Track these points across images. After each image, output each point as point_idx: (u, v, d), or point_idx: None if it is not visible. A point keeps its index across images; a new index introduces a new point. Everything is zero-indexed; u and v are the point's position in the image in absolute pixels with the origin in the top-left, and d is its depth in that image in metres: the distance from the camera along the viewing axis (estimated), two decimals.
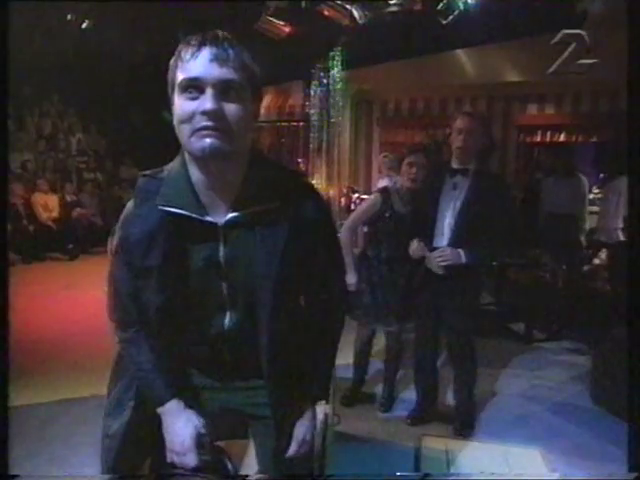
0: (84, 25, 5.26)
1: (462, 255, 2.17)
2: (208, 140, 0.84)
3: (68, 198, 7.01)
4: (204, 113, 0.83)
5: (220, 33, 0.86)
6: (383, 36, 5.20)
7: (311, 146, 6.25)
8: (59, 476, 1.83)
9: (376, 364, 2.81)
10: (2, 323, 1.09)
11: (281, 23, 5.20)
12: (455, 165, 2.25)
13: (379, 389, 2.69)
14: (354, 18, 5.13)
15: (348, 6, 5.09)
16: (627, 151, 1.49)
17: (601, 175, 5.58)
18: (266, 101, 6.98)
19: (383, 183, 5.26)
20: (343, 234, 2.54)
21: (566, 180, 3.85)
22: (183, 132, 0.86)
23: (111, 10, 5.22)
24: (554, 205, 3.86)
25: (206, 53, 0.84)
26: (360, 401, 2.63)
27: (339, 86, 5.94)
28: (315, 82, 6.01)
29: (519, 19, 4.81)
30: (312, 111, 6.15)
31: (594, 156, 5.97)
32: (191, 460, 0.92)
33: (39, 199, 6.65)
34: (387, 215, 2.39)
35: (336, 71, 5.87)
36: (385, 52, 5.54)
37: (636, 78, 1.44)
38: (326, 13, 5.13)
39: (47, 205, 6.68)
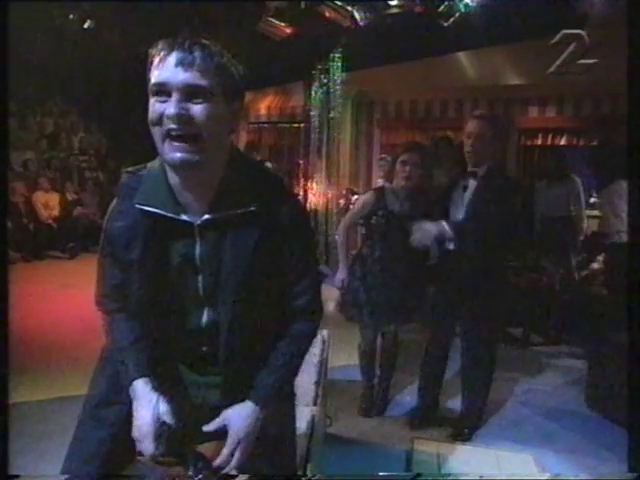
0: (86, 25, 5.27)
1: (445, 227, 2.14)
2: (178, 154, 0.87)
3: (69, 197, 7.04)
4: (169, 117, 0.86)
5: (189, 38, 0.87)
6: (384, 38, 5.20)
7: (311, 147, 6.25)
8: (59, 476, 1.84)
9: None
10: (2, 322, 1.09)
11: (282, 24, 5.19)
12: (468, 168, 2.25)
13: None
14: (355, 20, 5.13)
15: (349, 7, 5.09)
16: (627, 153, 1.49)
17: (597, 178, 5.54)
18: (267, 102, 6.99)
19: None
20: (339, 233, 2.55)
21: (559, 182, 3.83)
22: (155, 135, 0.89)
23: (113, 10, 5.24)
24: (549, 208, 3.84)
25: (172, 58, 0.86)
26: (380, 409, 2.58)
27: (340, 87, 5.94)
28: (316, 83, 6.01)
29: (520, 21, 4.80)
30: (313, 112, 6.15)
31: (595, 159, 5.94)
32: (148, 448, 0.90)
33: (40, 198, 6.68)
34: (380, 214, 2.38)
35: (337, 72, 5.86)
36: (386, 54, 5.53)
37: (636, 79, 1.43)
38: (327, 14, 5.13)
39: (48, 204, 6.71)
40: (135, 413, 0.95)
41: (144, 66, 0.90)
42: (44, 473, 1.93)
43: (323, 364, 1.94)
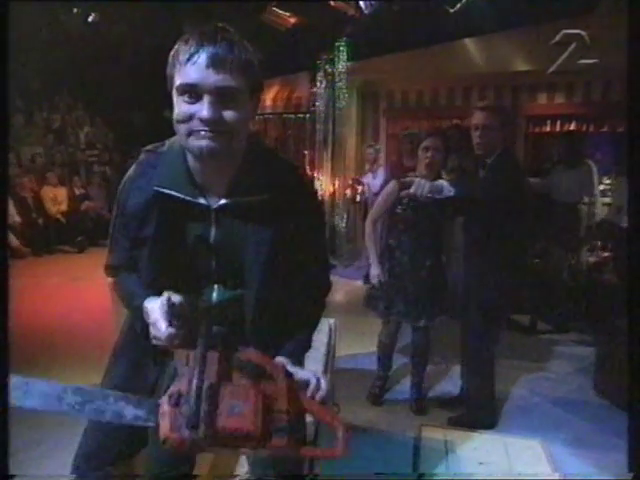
0: (90, 18, 5.28)
1: (444, 187, 2.06)
2: (205, 142, 0.86)
3: (77, 191, 7.09)
4: (202, 120, 0.85)
5: (219, 33, 0.84)
6: (389, 26, 5.15)
7: (317, 137, 6.23)
8: (59, 476, 1.87)
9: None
10: (2, 320, 1.10)
11: (286, 14, 5.17)
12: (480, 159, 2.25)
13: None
14: (360, 8, 5.08)
15: None
16: (627, 147, 1.46)
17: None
18: (272, 93, 6.96)
19: (368, 180, 5.22)
20: (366, 227, 2.50)
21: (574, 168, 3.77)
22: (180, 131, 0.89)
23: (116, 3, 5.24)
24: (561, 194, 3.78)
25: (203, 58, 0.83)
26: (389, 398, 2.58)
27: (345, 77, 5.90)
28: (321, 73, 5.97)
29: (528, 6, 4.72)
30: (318, 102, 6.12)
31: (608, 145, 5.85)
32: (160, 328, 0.87)
33: (48, 192, 6.73)
34: (405, 202, 2.33)
35: (342, 62, 5.82)
36: (391, 42, 5.47)
37: (636, 75, 1.41)
38: (332, 3, 5.09)
39: (56, 198, 6.77)
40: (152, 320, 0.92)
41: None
42: (56, 462, 1.97)
43: (330, 352, 1.95)
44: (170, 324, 0.86)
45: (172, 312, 0.87)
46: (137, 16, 5.22)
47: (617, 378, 2.56)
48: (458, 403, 2.52)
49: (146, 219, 0.95)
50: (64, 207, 6.78)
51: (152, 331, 0.90)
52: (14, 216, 6.18)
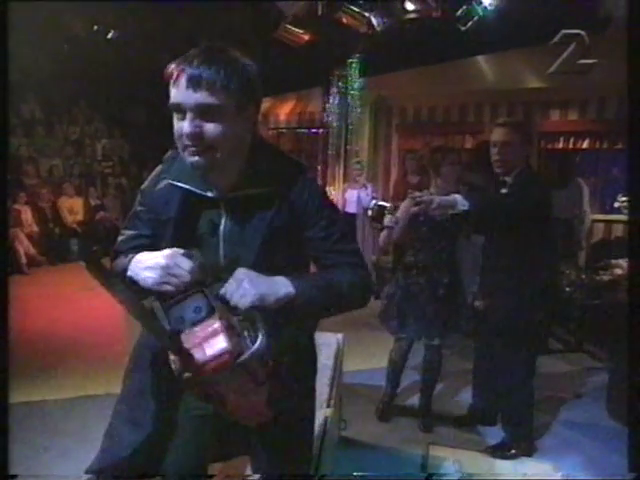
0: (109, 35, 5.45)
1: (457, 200, 1.98)
2: (193, 158, 0.95)
3: (92, 202, 7.22)
4: (185, 135, 0.93)
5: (197, 57, 0.92)
6: (402, 43, 5.20)
7: (330, 152, 6.28)
8: (59, 476, 1.88)
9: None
10: (2, 323, 1.12)
11: (300, 31, 5.26)
12: (499, 177, 2.19)
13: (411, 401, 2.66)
14: (372, 25, 5.15)
15: (366, 13, 5.12)
16: (628, 151, 1.46)
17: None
18: (286, 108, 7.05)
19: (350, 194, 5.28)
20: (381, 241, 2.52)
21: (565, 187, 3.74)
22: (178, 146, 0.98)
23: (135, 21, 5.39)
24: (555, 212, 3.76)
25: (182, 80, 0.92)
26: (397, 415, 2.57)
27: (358, 93, 5.96)
28: (334, 89, 6.05)
29: (539, 24, 4.74)
30: (331, 118, 6.18)
31: (623, 163, 5.79)
32: (182, 262, 0.91)
33: (65, 203, 6.87)
34: (421, 219, 2.31)
35: (355, 78, 5.89)
36: (404, 59, 5.53)
37: (636, 82, 1.42)
38: (344, 21, 5.17)
39: (72, 208, 6.90)
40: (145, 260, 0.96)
41: (163, 74, 0.95)
42: (65, 467, 1.98)
43: (337, 367, 1.95)
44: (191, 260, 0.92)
45: (188, 255, 0.93)
46: (155, 33, 5.36)
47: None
48: (467, 421, 2.49)
49: (169, 201, 1.03)
50: (80, 217, 6.91)
51: (166, 266, 0.91)
52: (32, 225, 6.31)
